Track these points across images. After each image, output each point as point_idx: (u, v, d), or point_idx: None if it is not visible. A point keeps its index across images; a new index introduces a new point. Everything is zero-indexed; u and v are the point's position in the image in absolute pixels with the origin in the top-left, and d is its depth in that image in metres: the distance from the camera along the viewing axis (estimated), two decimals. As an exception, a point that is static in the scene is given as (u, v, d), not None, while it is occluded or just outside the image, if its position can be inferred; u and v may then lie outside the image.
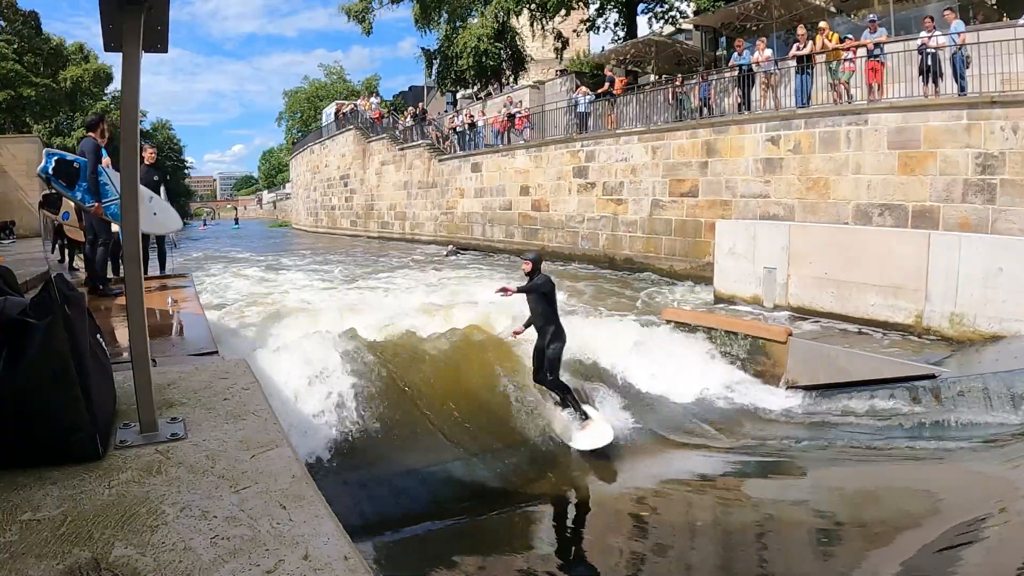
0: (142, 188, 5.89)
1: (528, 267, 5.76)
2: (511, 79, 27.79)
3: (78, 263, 8.97)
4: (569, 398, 5.71)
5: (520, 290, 5.75)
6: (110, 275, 6.53)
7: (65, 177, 5.60)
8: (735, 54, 13.17)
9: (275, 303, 9.78)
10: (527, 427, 5.72)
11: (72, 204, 7.06)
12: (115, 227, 6.12)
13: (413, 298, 10.25)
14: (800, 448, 5.67)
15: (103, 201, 5.67)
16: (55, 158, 5.63)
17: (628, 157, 14.57)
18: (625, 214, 14.63)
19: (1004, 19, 13.11)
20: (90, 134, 5.73)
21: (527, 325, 5.93)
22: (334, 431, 5.03)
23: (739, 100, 12.89)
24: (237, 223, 57.68)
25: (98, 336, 1.93)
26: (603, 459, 5.41)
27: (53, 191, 6.77)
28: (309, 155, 36.90)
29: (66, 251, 9.74)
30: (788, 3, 15.69)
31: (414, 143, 24.40)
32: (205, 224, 58.74)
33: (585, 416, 5.63)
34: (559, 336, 5.65)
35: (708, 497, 4.86)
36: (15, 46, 34.32)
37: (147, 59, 1.81)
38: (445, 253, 19.31)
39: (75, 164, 5.64)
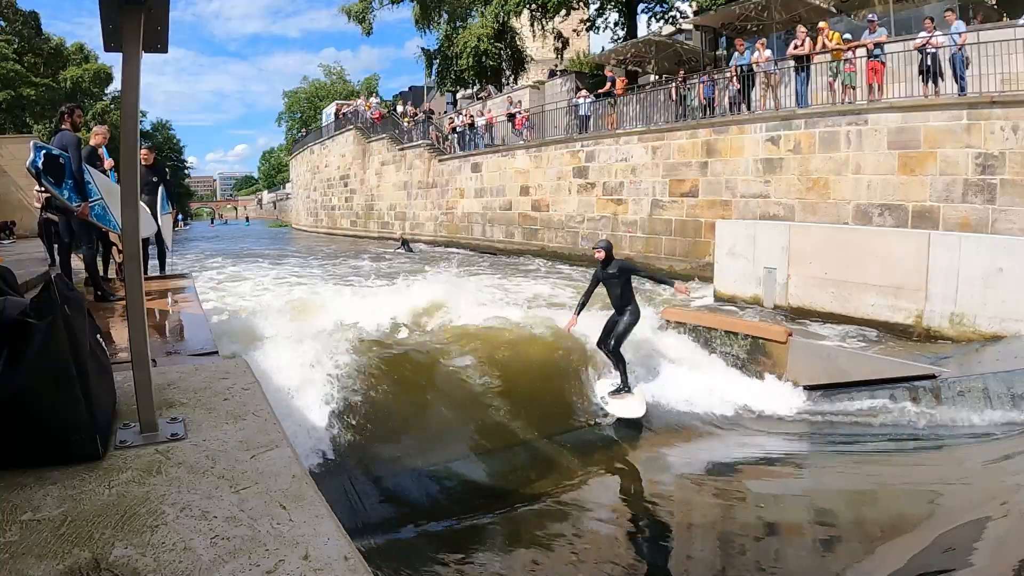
0: (110, 182, 5.74)
1: (601, 255, 6.15)
2: (511, 79, 27.80)
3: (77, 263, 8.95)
4: (622, 369, 6.12)
5: (584, 301, 6.28)
6: (110, 276, 6.48)
7: (53, 173, 5.20)
8: (735, 54, 13.18)
9: (276, 303, 9.77)
10: (528, 427, 5.73)
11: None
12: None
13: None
14: (800, 448, 5.67)
15: (87, 201, 5.33)
16: (43, 152, 5.19)
17: (628, 157, 14.58)
18: (625, 214, 14.63)
19: (1004, 19, 13.12)
20: (63, 127, 5.36)
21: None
22: (334, 431, 5.03)
23: (740, 100, 12.90)
24: (248, 221, 67.35)
25: (98, 336, 1.93)
26: (603, 459, 5.41)
27: (43, 188, 6.47)
28: (309, 155, 36.91)
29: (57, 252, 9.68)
30: (788, 3, 15.69)
31: (414, 143, 24.40)
32: (213, 223, 65.26)
33: (628, 389, 6.10)
34: (635, 312, 6.12)
35: (708, 496, 4.85)
36: (15, 46, 34.32)
37: (150, 59, 1.82)
38: (399, 247, 20.21)
39: (60, 160, 5.24)
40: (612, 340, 6.12)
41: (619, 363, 6.14)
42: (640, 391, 6.23)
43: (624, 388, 6.10)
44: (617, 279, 6.10)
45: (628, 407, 5.97)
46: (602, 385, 6.36)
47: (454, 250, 20.40)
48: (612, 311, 6.24)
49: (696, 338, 7.44)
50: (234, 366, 2.56)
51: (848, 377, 6.29)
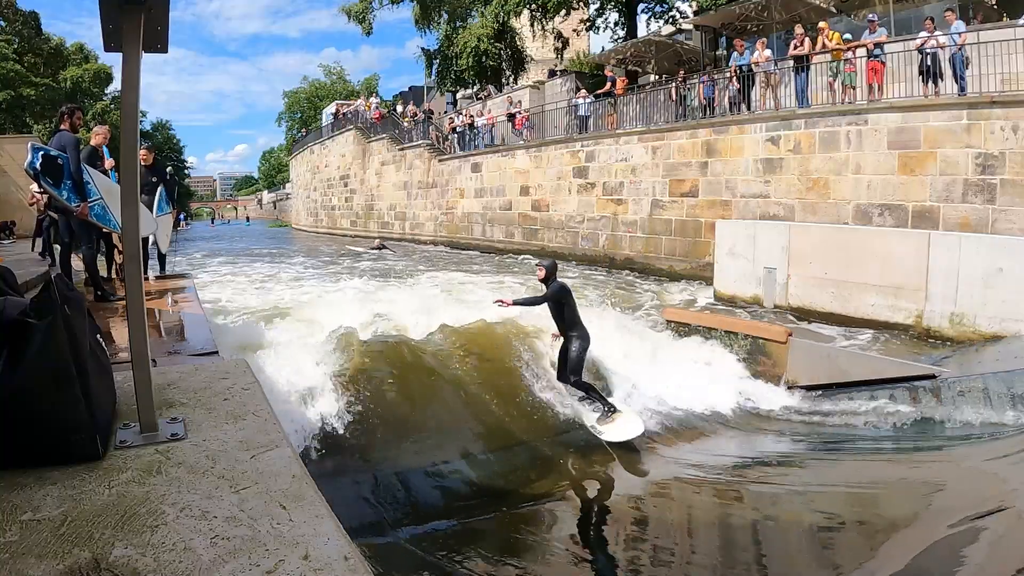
0: (110, 182, 5.73)
1: (541, 274, 5.84)
2: (511, 79, 27.81)
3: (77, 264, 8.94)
4: (594, 395, 5.75)
5: (526, 302, 5.91)
6: (111, 276, 6.47)
7: (51, 174, 5.16)
8: (735, 54, 13.19)
9: (276, 303, 9.77)
10: (528, 427, 5.72)
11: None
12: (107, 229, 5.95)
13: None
14: (800, 448, 5.67)
15: (86, 201, 5.31)
16: (41, 153, 5.14)
17: (628, 157, 14.58)
18: (625, 214, 14.64)
19: (1004, 19, 13.12)
20: (62, 128, 5.34)
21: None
22: (333, 431, 5.03)
23: (740, 100, 12.90)
24: (248, 221, 69.27)
25: (98, 336, 1.93)
26: (603, 459, 5.41)
27: (41, 189, 6.42)
28: (309, 155, 36.90)
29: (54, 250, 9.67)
30: (788, 3, 15.70)
31: (414, 143, 24.40)
32: (213, 222, 67.52)
33: (613, 410, 5.69)
34: (582, 338, 5.73)
35: (708, 497, 4.85)
36: (15, 46, 34.37)
37: (150, 59, 1.82)
38: (375, 245, 20.78)
39: (59, 160, 5.20)
40: (569, 375, 5.70)
41: (588, 391, 5.72)
42: (626, 407, 5.88)
43: (608, 410, 5.67)
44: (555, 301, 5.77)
45: (623, 429, 5.52)
46: (587, 413, 5.93)
47: (444, 248, 20.43)
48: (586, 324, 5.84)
49: (696, 338, 7.44)
50: (234, 366, 2.56)
51: (848, 377, 6.29)
